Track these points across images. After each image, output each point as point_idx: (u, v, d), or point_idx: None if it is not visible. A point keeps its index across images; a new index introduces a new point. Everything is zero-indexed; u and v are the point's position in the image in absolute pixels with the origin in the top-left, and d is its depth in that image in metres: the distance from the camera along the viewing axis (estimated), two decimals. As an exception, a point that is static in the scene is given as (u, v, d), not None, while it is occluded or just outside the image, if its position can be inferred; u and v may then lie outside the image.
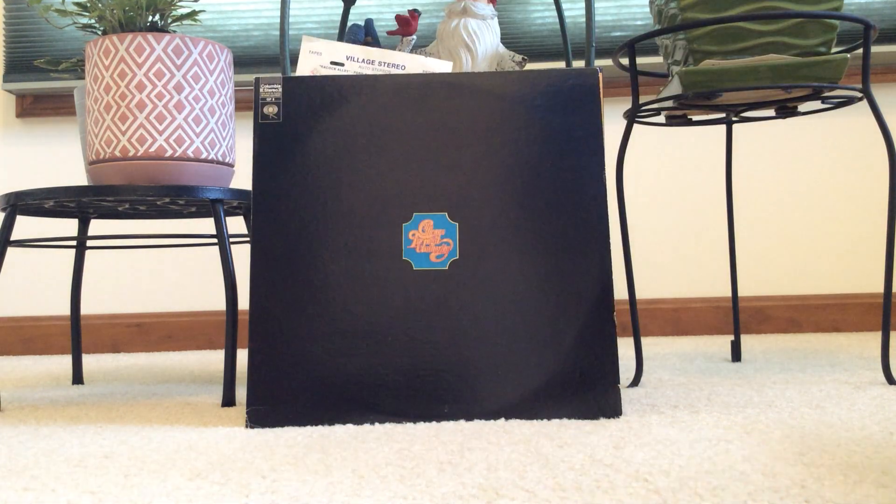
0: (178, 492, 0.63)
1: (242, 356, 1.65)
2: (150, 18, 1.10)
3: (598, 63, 1.84)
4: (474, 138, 0.92)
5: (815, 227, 1.86)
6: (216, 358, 1.67)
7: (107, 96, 1.04)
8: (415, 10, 1.16)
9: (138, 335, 1.89)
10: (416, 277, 0.90)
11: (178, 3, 1.10)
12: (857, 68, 1.84)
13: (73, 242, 1.53)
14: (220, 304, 1.91)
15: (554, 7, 1.76)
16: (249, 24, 1.90)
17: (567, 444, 0.75)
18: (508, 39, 1.87)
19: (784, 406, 0.91)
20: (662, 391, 1.04)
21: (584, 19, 1.63)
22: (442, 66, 1.03)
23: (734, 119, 1.28)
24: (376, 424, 0.87)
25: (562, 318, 0.89)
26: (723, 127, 1.88)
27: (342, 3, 1.82)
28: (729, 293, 1.86)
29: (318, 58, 1.02)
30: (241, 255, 1.89)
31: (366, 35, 1.16)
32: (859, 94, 1.17)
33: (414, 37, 1.16)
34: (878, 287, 1.85)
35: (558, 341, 0.89)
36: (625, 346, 1.64)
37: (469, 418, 0.88)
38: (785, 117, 1.20)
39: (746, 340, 1.67)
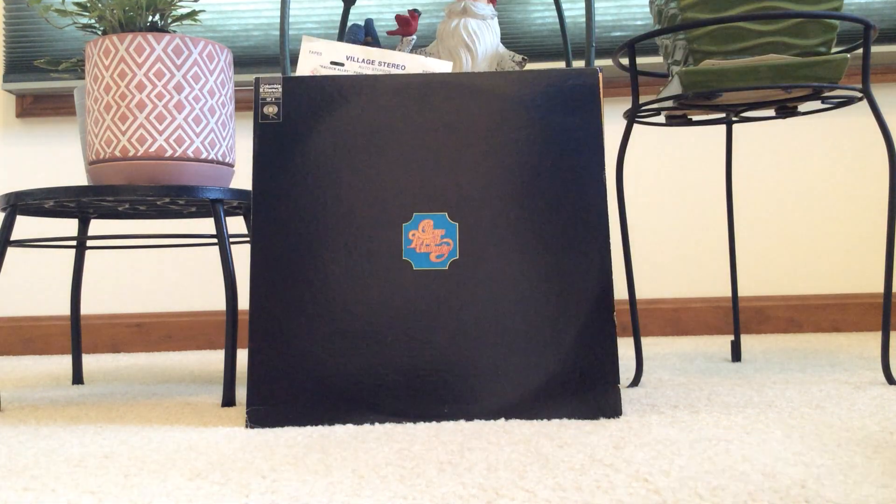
0: (178, 492, 0.63)
1: (242, 356, 1.65)
2: (150, 18, 1.10)
3: (598, 63, 1.84)
4: (474, 138, 0.92)
5: (815, 227, 1.86)
6: (216, 358, 1.67)
7: (107, 96, 1.04)
8: (415, 10, 1.16)
9: (138, 335, 1.89)
10: (416, 277, 0.90)
11: (178, 3, 1.10)
12: (857, 68, 1.84)
13: (73, 242, 1.53)
14: (220, 304, 1.91)
15: (554, 7, 1.76)
16: (249, 24, 1.90)
17: (567, 444, 0.75)
18: (508, 39, 1.87)
19: (784, 406, 0.91)
20: (662, 391, 1.04)
21: (584, 19, 1.63)
22: (442, 66, 1.03)
23: (734, 119, 1.28)
24: (376, 424, 0.87)
25: (562, 317, 0.89)
26: (723, 127, 1.88)
27: (342, 3, 1.82)
28: (729, 293, 1.86)
29: (318, 58, 1.02)
30: (241, 255, 1.89)
31: (366, 35, 1.16)
32: (859, 94, 1.17)
33: (414, 37, 1.16)
34: (878, 287, 1.85)
35: (558, 341, 0.89)
36: (625, 346, 1.64)
37: (469, 418, 0.88)
38: (785, 117, 1.20)
39: (746, 340, 1.67)
